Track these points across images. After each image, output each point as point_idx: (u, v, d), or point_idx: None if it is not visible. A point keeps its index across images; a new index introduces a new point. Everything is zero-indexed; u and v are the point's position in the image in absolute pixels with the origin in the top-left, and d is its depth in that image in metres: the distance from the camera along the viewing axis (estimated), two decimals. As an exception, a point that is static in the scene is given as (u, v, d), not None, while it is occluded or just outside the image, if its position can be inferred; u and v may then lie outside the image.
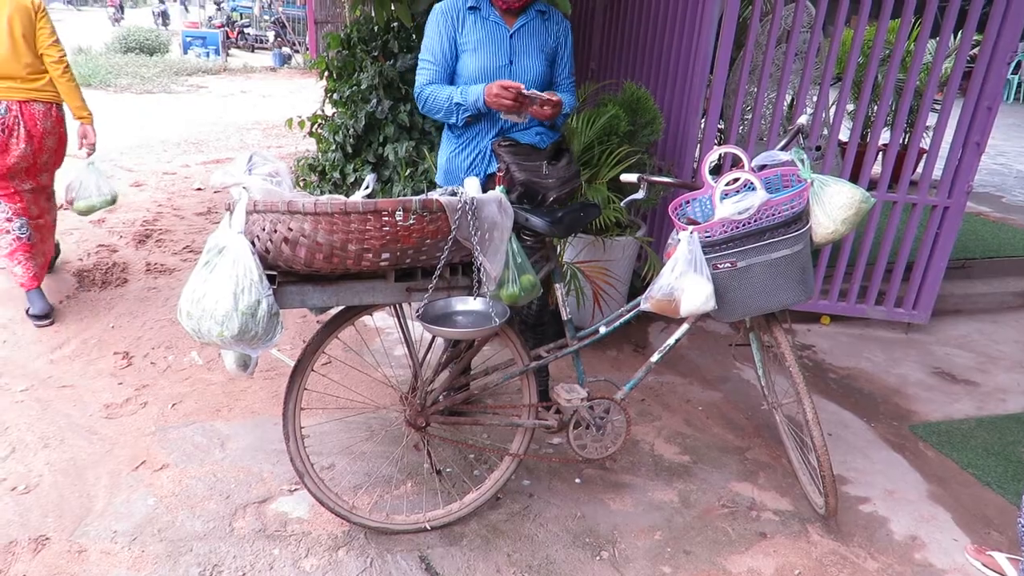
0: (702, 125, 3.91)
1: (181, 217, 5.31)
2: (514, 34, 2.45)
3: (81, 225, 4.96)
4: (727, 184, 2.16)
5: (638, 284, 4.10)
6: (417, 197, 1.83)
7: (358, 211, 1.75)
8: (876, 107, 5.92)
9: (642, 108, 3.51)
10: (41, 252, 3.67)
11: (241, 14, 20.88)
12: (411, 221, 1.78)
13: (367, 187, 2.31)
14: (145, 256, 4.49)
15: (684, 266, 2.14)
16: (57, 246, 4.16)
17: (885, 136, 6.62)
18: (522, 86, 2.29)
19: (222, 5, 20.66)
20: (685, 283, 2.14)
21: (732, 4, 3.49)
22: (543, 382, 2.70)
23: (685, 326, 2.39)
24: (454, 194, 1.91)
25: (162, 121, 8.83)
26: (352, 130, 4.79)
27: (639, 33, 4.31)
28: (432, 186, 4.44)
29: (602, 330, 2.39)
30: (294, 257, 1.81)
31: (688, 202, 2.38)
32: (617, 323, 2.39)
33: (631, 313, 2.38)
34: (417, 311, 1.96)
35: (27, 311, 3.57)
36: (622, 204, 2.56)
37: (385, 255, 1.83)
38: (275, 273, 1.88)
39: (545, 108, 2.30)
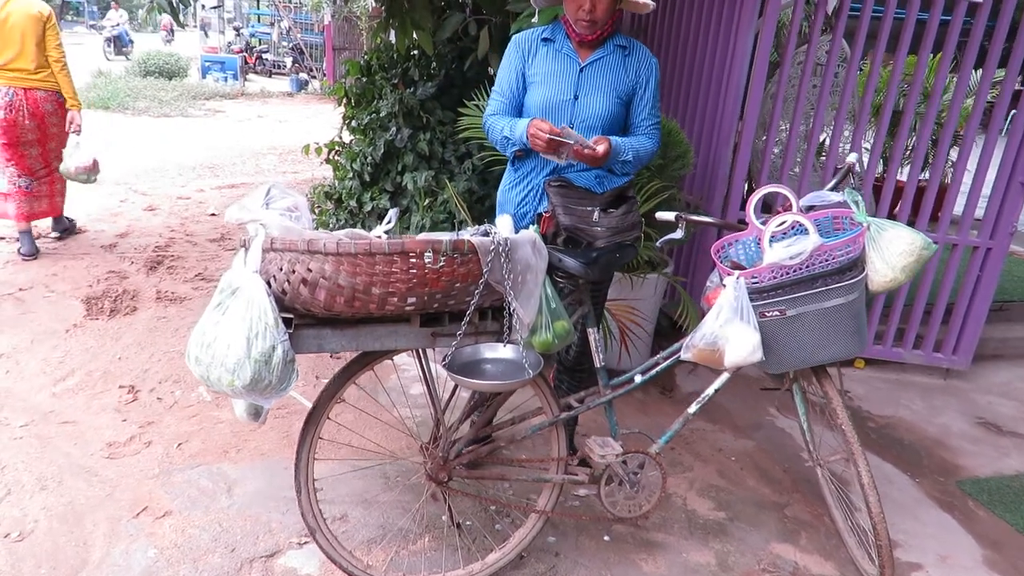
0: (731, 160, 3.77)
1: (194, 243, 5.21)
2: (585, 68, 2.31)
3: (92, 250, 4.87)
4: (776, 226, 2.01)
5: (664, 323, 3.95)
6: (447, 236, 1.70)
7: (383, 252, 1.61)
8: (913, 143, 5.78)
9: (672, 141, 3.38)
10: (39, 201, 4.73)
11: (260, 40, 21.09)
12: (440, 263, 1.65)
13: (389, 221, 2.19)
14: (156, 283, 4.38)
15: (729, 314, 1.99)
16: (72, 222, 5.25)
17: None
18: (552, 125, 2.16)
19: (241, 31, 20.88)
20: (730, 332, 1.99)
21: (767, 35, 3.38)
22: (570, 430, 2.54)
23: (725, 376, 2.23)
24: (487, 234, 1.77)
25: (178, 145, 8.80)
26: (370, 158, 4.69)
27: (669, 63, 4.20)
28: (450, 217, 4.32)
29: (637, 379, 2.23)
30: (313, 300, 1.68)
31: (731, 244, 2.23)
32: (653, 372, 2.23)
33: (668, 362, 2.22)
34: (443, 359, 1.81)
35: (19, 250, 4.64)
36: (658, 244, 2.42)
37: (411, 299, 1.69)
38: (291, 316, 1.75)
39: (587, 151, 2.16)
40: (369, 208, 4.70)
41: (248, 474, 2.66)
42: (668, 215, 2.37)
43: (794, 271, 1.98)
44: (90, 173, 4.60)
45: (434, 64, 5.00)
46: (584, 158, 2.19)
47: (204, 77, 15.70)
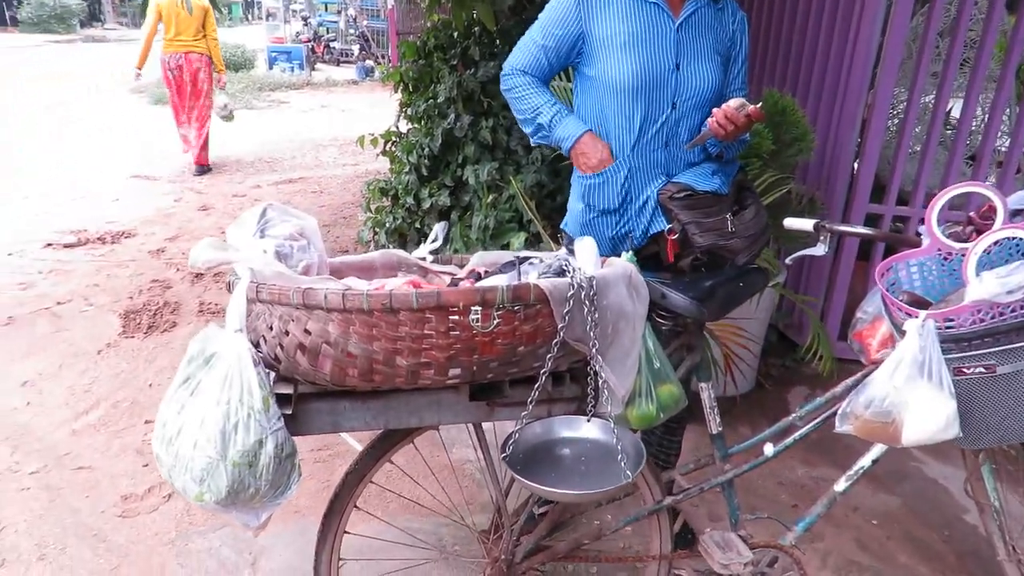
0: (859, 141, 3.09)
1: (245, 246, 4.85)
2: (682, 25, 1.72)
3: (140, 256, 4.58)
4: (989, 244, 1.39)
5: (772, 337, 3.32)
6: (503, 283, 1.17)
7: (409, 308, 1.09)
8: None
9: (787, 122, 2.73)
10: (200, 138, 6.75)
11: (327, 28, 20.98)
12: (494, 322, 1.11)
13: (435, 239, 1.70)
14: (199, 294, 4.03)
15: (911, 371, 1.38)
16: (209, 167, 6.96)
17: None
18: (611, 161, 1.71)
19: (309, 20, 20.81)
20: (912, 397, 1.39)
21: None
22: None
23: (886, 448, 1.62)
24: (562, 271, 1.23)
25: (239, 138, 8.56)
26: (428, 149, 4.19)
27: (780, 30, 3.51)
28: (517, 215, 3.79)
29: (767, 451, 1.65)
30: (315, 372, 1.18)
31: (901, 265, 1.61)
32: (788, 442, 1.65)
33: (809, 427, 1.63)
34: (503, 451, 1.28)
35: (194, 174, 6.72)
36: (788, 261, 1.82)
37: (454, 371, 1.17)
38: (291, 387, 1.26)
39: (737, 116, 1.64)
40: (428, 205, 4.21)
41: (278, 540, 2.21)
42: (804, 224, 1.77)
43: (1012, 311, 1.36)
44: (231, 113, 7.09)
45: (497, 41, 4.45)
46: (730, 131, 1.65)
47: (271, 68, 15.59)
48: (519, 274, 1.22)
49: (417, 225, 4.36)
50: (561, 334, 1.17)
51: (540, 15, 1.82)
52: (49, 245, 4.70)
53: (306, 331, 1.13)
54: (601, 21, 1.72)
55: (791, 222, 1.81)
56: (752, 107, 1.64)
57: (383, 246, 4.68)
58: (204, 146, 6.74)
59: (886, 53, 2.83)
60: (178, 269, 4.37)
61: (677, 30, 1.72)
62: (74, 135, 8.34)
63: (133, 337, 3.51)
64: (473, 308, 1.09)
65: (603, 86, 1.75)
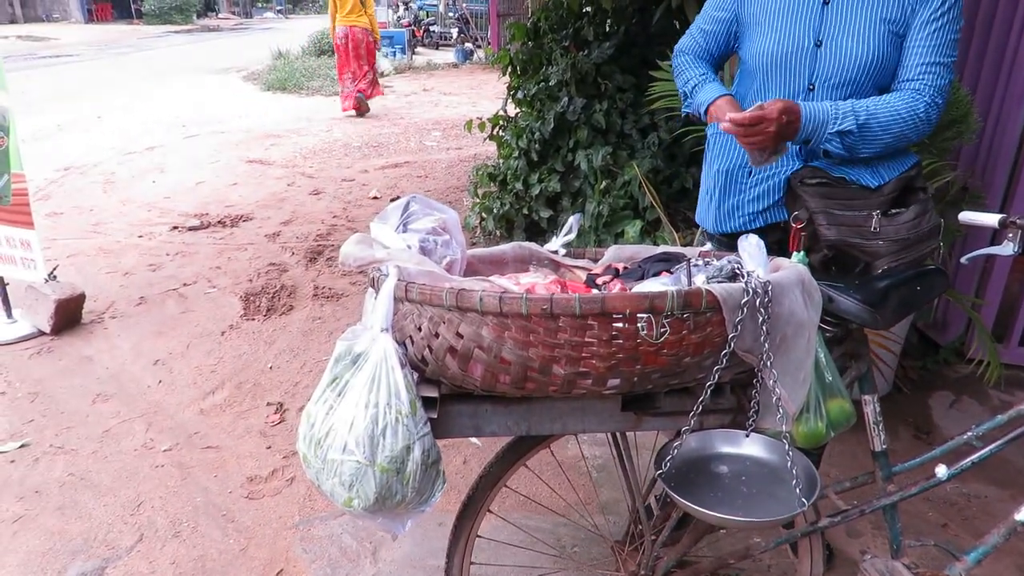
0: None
1: (355, 230, 4.86)
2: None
3: (257, 239, 4.73)
4: None
5: (912, 338, 3.06)
6: (671, 285, 1.07)
7: (571, 314, 1.01)
8: None
9: (948, 99, 2.47)
10: (359, 98, 8.97)
11: (427, 12, 21.17)
12: (663, 333, 1.02)
13: (569, 231, 1.61)
14: (314, 278, 4.11)
15: None
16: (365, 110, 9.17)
17: None
18: (740, 111, 1.49)
19: (410, 5, 21.06)
20: None
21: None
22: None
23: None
24: (733, 274, 1.11)
25: (345, 124, 8.76)
26: (538, 133, 4.10)
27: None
28: (632, 203, 3.65)
29: (940, 472, 1.48)
30: (465, 377, 1.12)
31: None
32: (965, 464, 1.47)
33: (992, 448, 1.45)
34: (659, 467, 1.19)
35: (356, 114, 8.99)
36: (965, 260, 1.63)
37: (613, 381, 1.08)
38: (436, 390, 1.20)
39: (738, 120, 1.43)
40: (537, 191, 4.14)
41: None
42: (986, 219, 1.57)
43: None
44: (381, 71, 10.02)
45: (611, 21, 4.30)
46: (756, 137, 1.45)
47: (374, 53, 15.90)
48: (689, 276, 1.11)
49: (525, 211, 4.30)
50: (731, 344, 1.06)
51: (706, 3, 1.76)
52: (175, 228, 4.92)
53: (458, 334, 1.07)
54: (749, 2, 1.60)
55: (969, 216, 1.61)
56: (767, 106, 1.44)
57: (490, 232, 4.64)
58: (367, 95, 9.05)
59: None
60: (293, 253, 4.49)
61: (824, 3, 1.56)
62: (194, 120, 8.75)
63: (253, 319, 3.62)
64: (641, 316, 1.00)
65: (746, 66, 1.67)
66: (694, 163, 3.79)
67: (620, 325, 1.01)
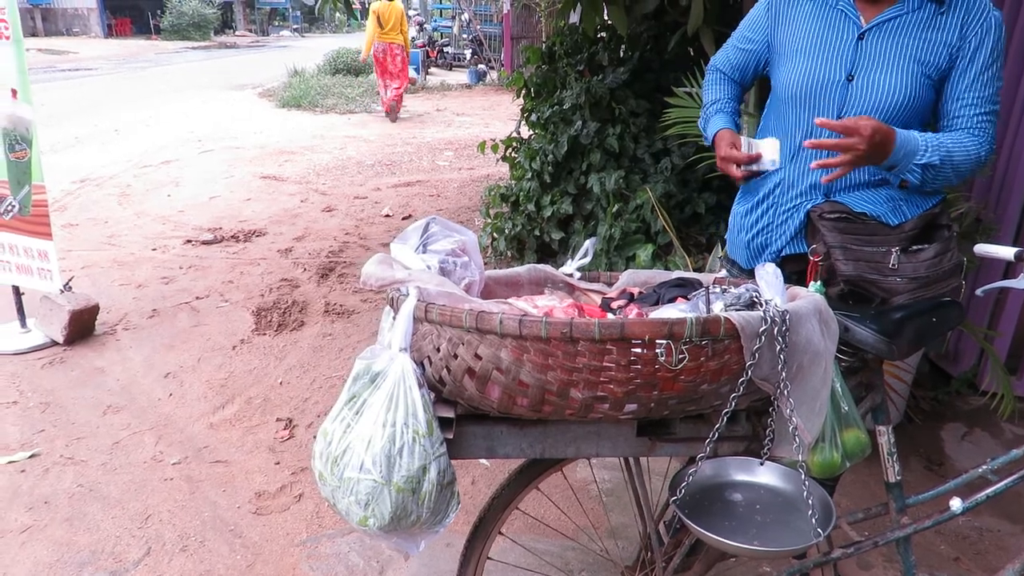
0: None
1: (367, 248, 4.97)
2: (868, 33, 1.56)
3: (270, 255, 4.77)
4: None
5: (924, 368, 3.05)
6: (689, 312, 1.08)
7: (591, 338, 1.02)
8: None
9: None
10: (394, 98, 10.40)
11: (442, 33, 21.43)
12: (681, 359, 1.02)
13: (584, 255, 1.62)
14: (325, 294, 4.13)
15: None
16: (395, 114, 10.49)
17: None
18: (740, 149, 1.59)
19: (424, 26, 21.33)
20: None
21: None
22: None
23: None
24: (752, 303, 1.12)
25: (359, 142, 8.85)
26: (551, 156, 4.13)
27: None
28: (644, 227, 3.67)
29: (955, 506, 1.47)
30: (482, 398, 1.12)
31: None
32: (983, 495, 1.46)
33: (1008, 482, 1.44)
34: (674, 493, 1.19)
35: (390, 119, 10.42)
36: (980, 292, 1.63)
37: (631, 406, 1.09)
38: (452, 411, 1.21)
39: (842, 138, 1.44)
40: (549, 213, 4.16)
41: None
42: (1001, 251, 1.58)
43: None
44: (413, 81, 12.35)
45: (625, 46, 4.35)
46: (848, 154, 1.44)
47: (388, 73, 16.08)
48: (708, 304, 1.12)
49: (536, 232, 4.32)
50: (749, 372, 1.07)
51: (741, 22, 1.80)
52: (188, 242, 4.97)
53: (477, 356, 1.08)
54: (787, 27, 1.63)
55: (985, 248, 1.62)
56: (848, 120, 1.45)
57: (501, 253, 4.66)
58: (398, 104, 10.53)
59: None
60: (305, 269, 4.52)
61: (859, 37, 1.57)
62: (210, 135, 8.85)
63: (264, 334, 3.64)
64: (660, 342, 1.00)
65: (775, 94, 1.67)
66: (707, 188, 3.81)
67: (639, 351, 1.02)
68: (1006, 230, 2.77)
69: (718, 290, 1.19)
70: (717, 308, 1.10)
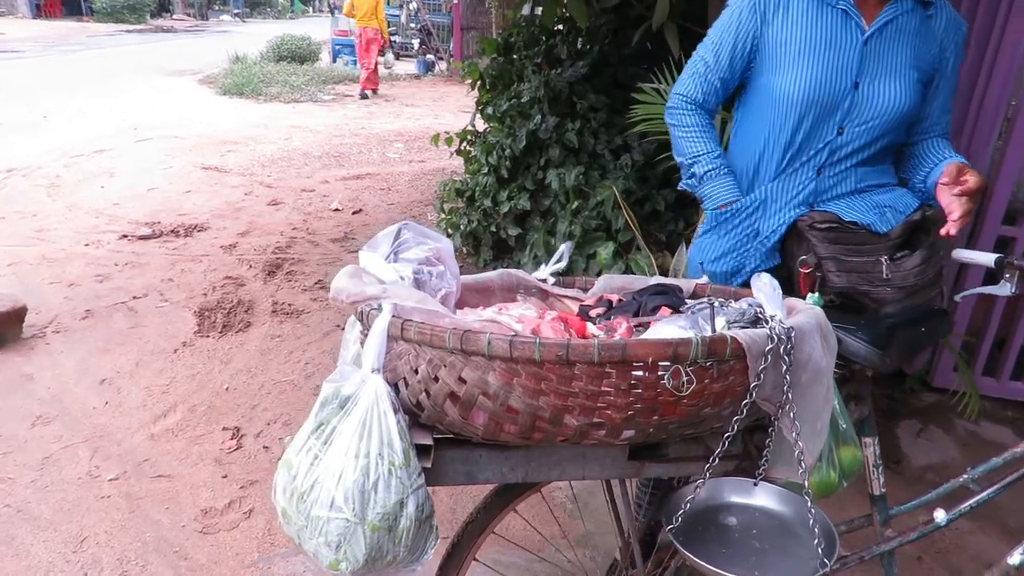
0: (995, 157, 2.82)
1: (315, 244, 4.78)
2: (872, 37, 1.50)
3: (212, 251, 4.54)
4: None
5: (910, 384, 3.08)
6: (689, 331, 1.00)
7: (588, 361, 0.93)
8: None
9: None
10: (366, 81, 11.66)
11: (389, 22, 21.01)
12: (687, 385, 0.94)
13: (559, 259, 1.55)
14: (272, 293, 3.95)
15: None
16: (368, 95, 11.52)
17: None
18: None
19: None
20: None
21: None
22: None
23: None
24: (756, 319, 1.05)
25: (305, 132, 8.57)
26: (509, 150, 4.03)
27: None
28: (604, 224, 3.60)
29: (939, 517, 1.44)
30: (465, 425, 1.03)
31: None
32: (967, 506, 1.44)
33: (991, 492, 1.42)
34: (669, 522, 1.11)
35: (359, 97, 11.42)
36: (959, 298, 1.61)
37: (628, 432, 1.01)
38: (430, 437, 1.10)
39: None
40: (506, 209, 4.06)
41: (365, 567, 2.09)
42: (982, 258, 1.56)
43: None
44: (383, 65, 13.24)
45: (584, 40, 4.28)
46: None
47: (335, 61, 15.66)
48: (713, 321, 1.04)
49: (493, 229, 4.21)
50: (753, 393, 1.00)
51: (709, 31, 1.63)
52: (124, 236, 4.70)
53: (460, 379, 0.98)
54: (778, 24, 1.53)
55: (963, 254, 1.61)
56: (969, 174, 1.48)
57: (456, 249, 4.55)
58: (369, 80, 11.60)
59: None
60: (250, 266, 4.32)
61: (865, 42, 1.51)
62: (146, 123, 8.44)
63: (208, 336, 3.45)
64: (663, 365, 0.92)
65: (766, 98, 1.56)
66: (666, 185, 3.77)
67: (640, 374, 0.94)
68: (987, 236, 2.80)
69: (717, 304, 1.11)
70: (719, 325, 1.03)
